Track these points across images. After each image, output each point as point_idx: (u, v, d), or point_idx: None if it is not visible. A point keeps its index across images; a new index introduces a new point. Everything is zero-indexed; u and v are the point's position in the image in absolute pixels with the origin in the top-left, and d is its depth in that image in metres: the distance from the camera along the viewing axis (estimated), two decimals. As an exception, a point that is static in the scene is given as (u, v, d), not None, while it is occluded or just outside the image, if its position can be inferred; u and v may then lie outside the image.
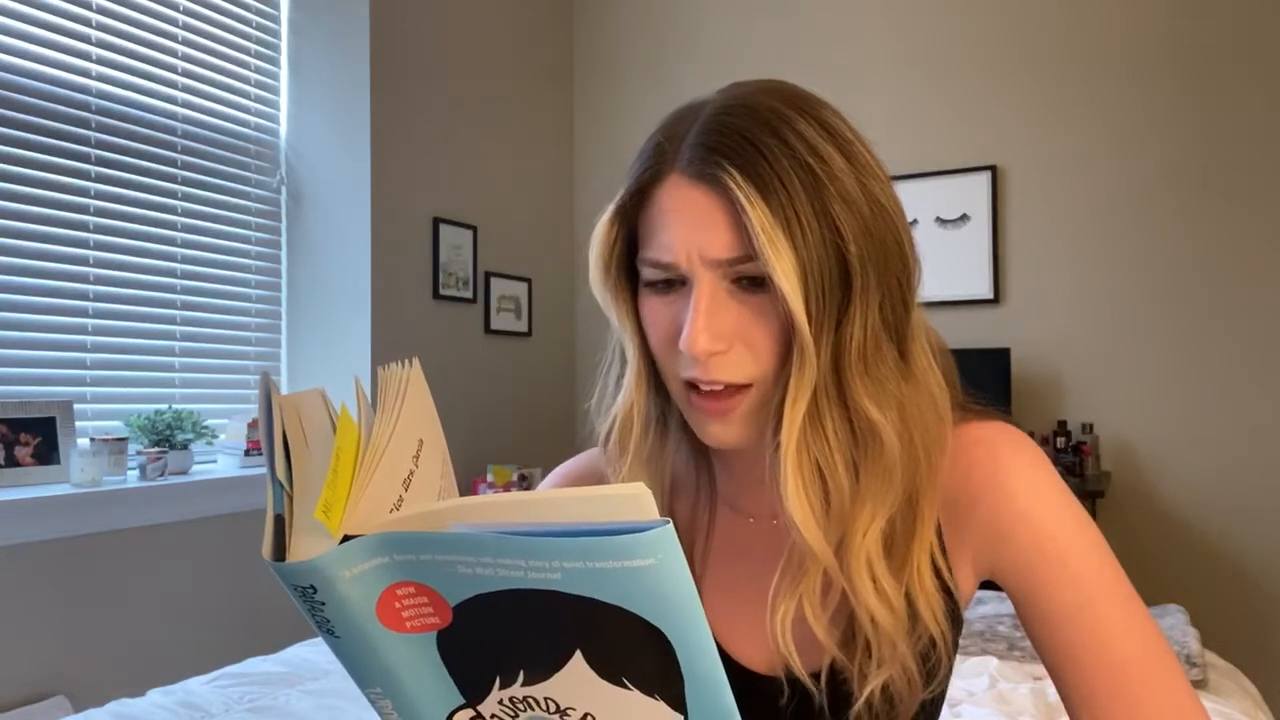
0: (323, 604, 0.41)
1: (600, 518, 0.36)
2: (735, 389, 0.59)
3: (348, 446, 0.42)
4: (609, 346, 0.68)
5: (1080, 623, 0.60)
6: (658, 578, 0.37)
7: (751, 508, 0.69)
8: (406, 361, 0.46)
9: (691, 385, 0.60)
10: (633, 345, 0.63)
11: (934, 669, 0.63)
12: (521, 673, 0.43)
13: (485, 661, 0.43)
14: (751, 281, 0.57)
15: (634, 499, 0.36)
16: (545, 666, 0.42)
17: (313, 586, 0.40)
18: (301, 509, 0.42)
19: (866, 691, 0.60)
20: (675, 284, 0.60)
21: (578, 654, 0.41)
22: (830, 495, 0.58)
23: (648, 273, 0.60)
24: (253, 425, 2.44)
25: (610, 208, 0.63)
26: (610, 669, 0.41)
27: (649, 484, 0.65)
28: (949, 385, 0.63)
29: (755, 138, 0.56)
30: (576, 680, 0.42)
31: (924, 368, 0.61)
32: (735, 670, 0.67)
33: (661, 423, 0.66)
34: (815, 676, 0.63)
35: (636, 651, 0.40)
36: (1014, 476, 0.62)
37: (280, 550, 0.41)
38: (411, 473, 0.44)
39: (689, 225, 0.57)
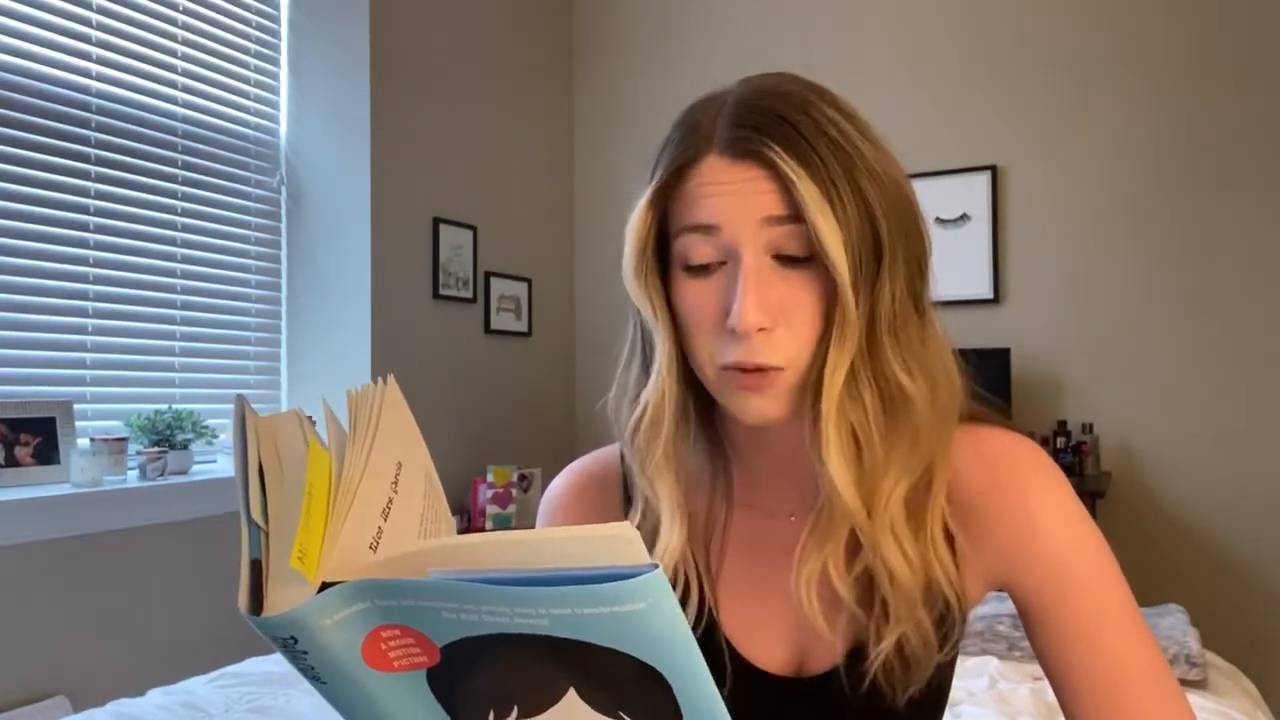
0: (305, 653, 0.40)
1: (587, 560, 0.35)
2: (772, 369, 0.59)
3: (320, 483, 0.41)
4: (627, 342, 0.68)
5: (1096, 640, 0.61)
6: (649, 621, 0.36)
7: (767, 504, 0.70)
8: (381, 380, 0.45)
9: (731, 368, 0.60)
10: (666, 334, 0.63)
11: (948, 633, 0.64)
12: (516, 708, 0.42)
13: (478, 697, 0.42)
14: (790, 258, 0.58)
15: (623, 540, 0.35)
16: (540, 702, 0.41)
17: (293, 637, 0.39)
18: (278, 554, 0.40)
19: (884, 644, 0.61)
20: (713, 267, 0.60)
21: (572, 690, 0.40)
22: (864, 461, 0.60)
23: (688, 246, 0.60)
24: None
25: (646, 193, 0.63)
26: (606, 704, 0.40)
27: (675, 476, 0.66)
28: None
29: (789, 116, 0.58)
30: (572, 714, 0.41)
31: (940, 342, 0.63)
32: (748, 672, 0.68)
33: (686, 415, 0.66)
34: (830, 673, 0.65)
35: (632, 687, 0.39)
36: (1037, 495, 0.64)
37: (257, 601, 0.39)
38: (390, 500, 0.42)
39: (735, 194, 0.58)
